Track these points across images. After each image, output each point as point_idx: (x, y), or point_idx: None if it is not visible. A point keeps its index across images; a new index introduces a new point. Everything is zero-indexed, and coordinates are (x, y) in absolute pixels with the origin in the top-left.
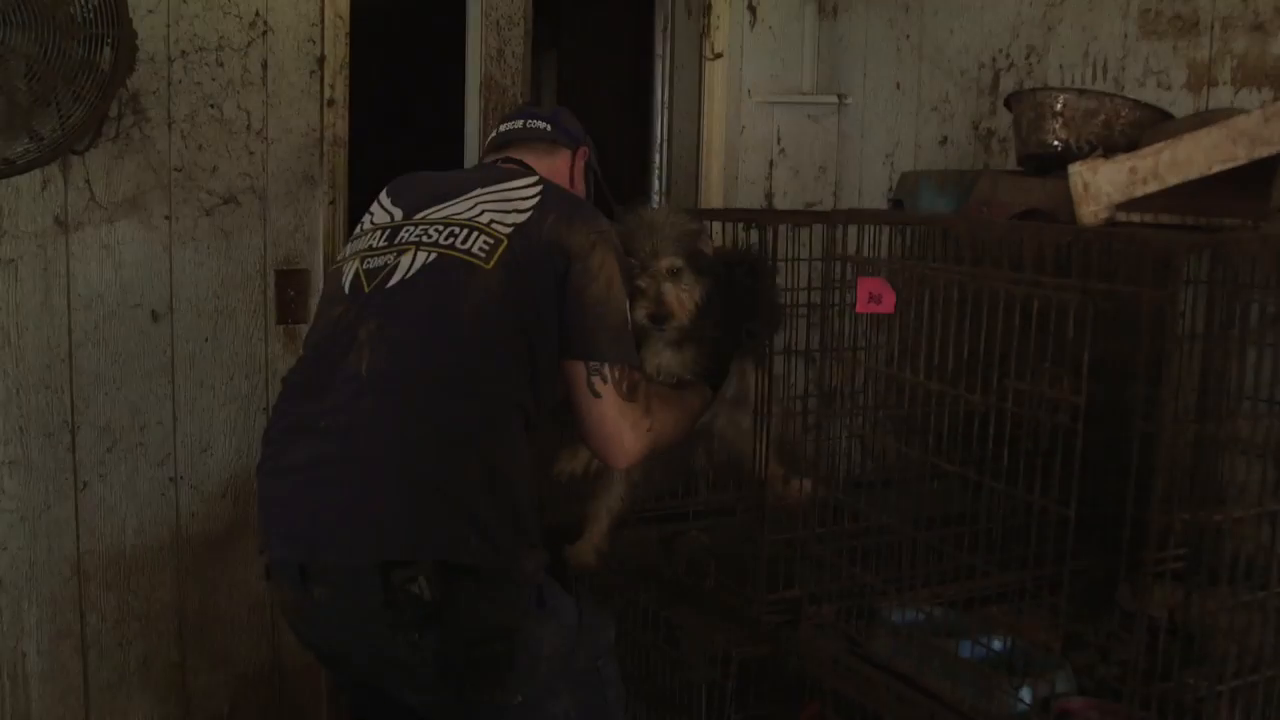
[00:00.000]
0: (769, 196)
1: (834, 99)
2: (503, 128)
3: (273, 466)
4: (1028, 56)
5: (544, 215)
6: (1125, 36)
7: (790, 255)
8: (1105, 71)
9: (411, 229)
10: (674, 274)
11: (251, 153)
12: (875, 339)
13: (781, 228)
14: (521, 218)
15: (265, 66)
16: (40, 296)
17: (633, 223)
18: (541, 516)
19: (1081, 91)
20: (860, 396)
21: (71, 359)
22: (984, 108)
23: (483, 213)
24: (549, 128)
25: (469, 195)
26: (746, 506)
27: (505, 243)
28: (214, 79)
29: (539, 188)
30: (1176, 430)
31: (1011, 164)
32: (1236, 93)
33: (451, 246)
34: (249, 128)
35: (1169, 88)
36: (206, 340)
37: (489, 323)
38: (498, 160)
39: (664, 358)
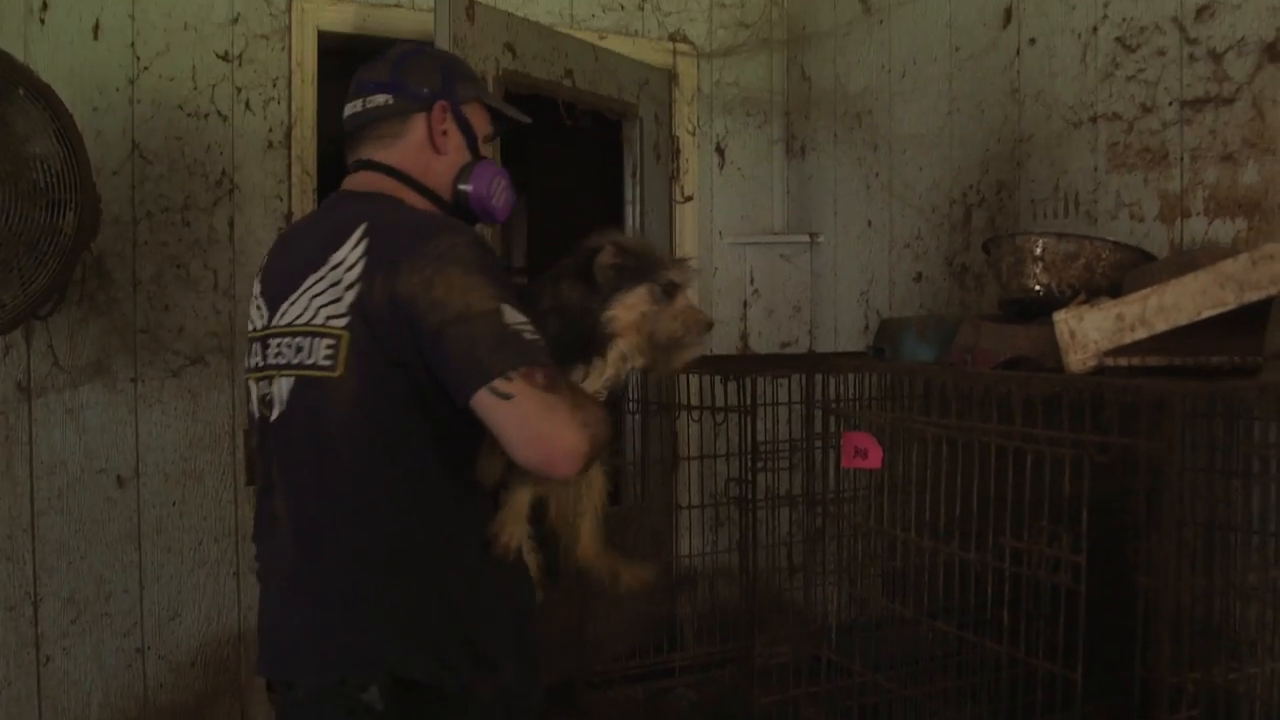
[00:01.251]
0: (744, 337)
1: (806, 238)
2: (345, 112)
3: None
4: (998, 192)
5: (372, 280)
6: (1095, 170)
7: (770, 399)
8: (1077, 205)
9: (273, 345)
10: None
11: (219, 312)
12: (858, 488)
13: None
14: (352, 296)
15: (232, 225)
16: (1, 465)
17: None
18: (523, 622)
19: (1061, 235)
20: (847, 544)
21: (34, 528)
22: (957, 243)
23: (317, 311)
24: (390, 99)
25: (302, 289)
26: (735, 661)
27: (345, 336)
28: (180, 239)
29: (363, 244)
30: (1181, 585)
31: (988, 299)
32: (1210, 223)
33: (301, 364)
34: (216, 286)
35: (1142, 219)
36: (174, 504)
37: (359, 435)
38: (350, 174)
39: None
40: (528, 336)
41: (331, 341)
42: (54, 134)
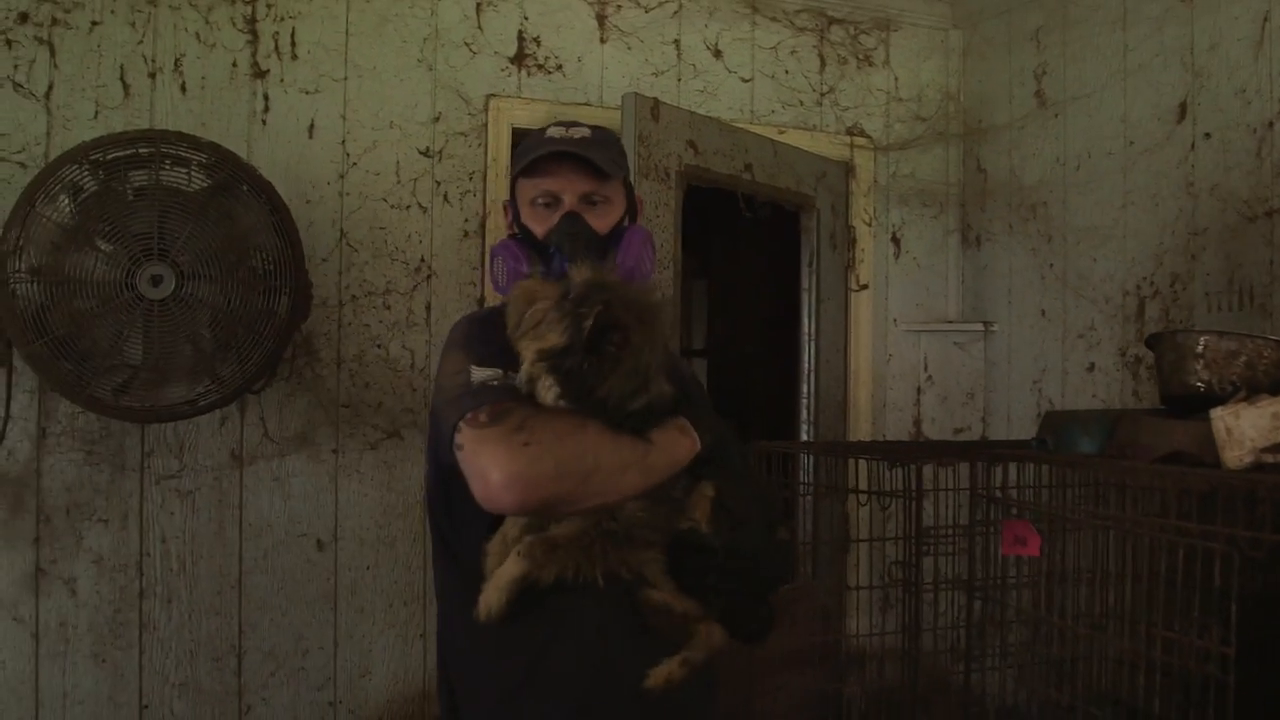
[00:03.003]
0: (917, 423)
1: (980, 326)
2: None
3: None
4: (1172, 284)
5: None
6: (1271, 264)
7: (937, 485)
8: (1252, 299)
9: None
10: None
11: (414, 389)
12: (1021, 576)
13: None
14: None
15: (429, 308)
16: (215, 526)
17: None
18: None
19: (1222, 334)
20: (1011, 630)
21: (241, 586)
22: (1130, 335)
23: None
24: None
25: None
26: None
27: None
28: (381, 320)
29: None
30: None
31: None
32: None
33: None
34: (413, 365)
35: None
36: (368, 568)
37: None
38: None
39: None
40: (492, 384)
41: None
42: (273, 227)
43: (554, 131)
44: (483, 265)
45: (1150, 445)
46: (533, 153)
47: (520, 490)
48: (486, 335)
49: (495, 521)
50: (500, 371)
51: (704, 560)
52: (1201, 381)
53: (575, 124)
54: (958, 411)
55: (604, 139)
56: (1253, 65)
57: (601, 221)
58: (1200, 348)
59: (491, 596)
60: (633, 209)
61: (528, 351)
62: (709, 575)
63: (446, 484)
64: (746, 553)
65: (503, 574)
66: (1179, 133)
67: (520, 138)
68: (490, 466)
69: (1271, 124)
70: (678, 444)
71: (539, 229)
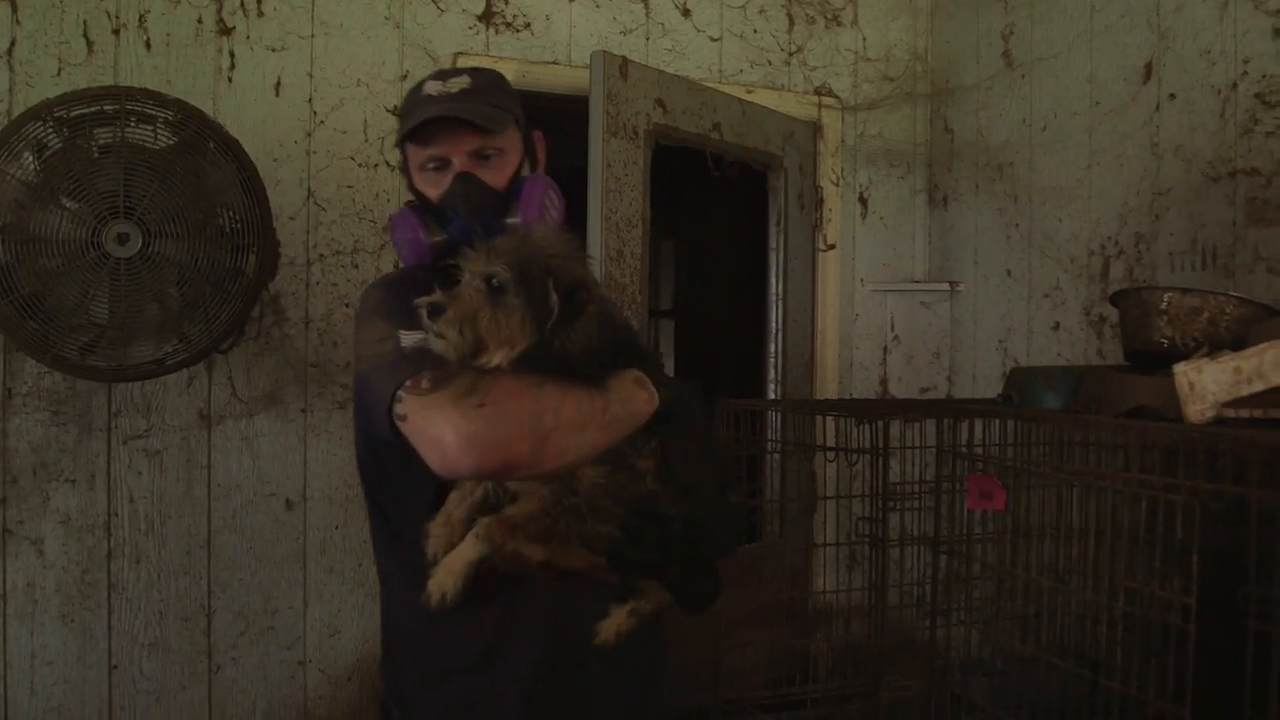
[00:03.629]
0: (884, 382)
1: (946, 286)
2: None
3: None
4: (1136, 244)
5: None
6: (1234, 224)
7: (904, 443)
8: (1215, 258)
9: None
10: (492, 284)
11: None
12: (987, 531)
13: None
14: None
15: (397, 267)
16: (183, 486)
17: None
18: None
19: (1185, 290)
20: (976, 585)
21: (210, 546)
22: (1095, 294)
23: None
24: None
25: None
26: (864, 696)
27: None
28: (349, 279)
29: None
30: None
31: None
32: None
33: None
34: None
35: (1279, 273)
36: (337, 528)
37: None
38: None
39: None
40: (422, 345)
41: None
42: (240, 185)
43: (431, 87)
44: None
45: (1114, 400)
46: (412, 118)
47: (479, 453)
48: (405, 298)
49: (437, 499)
50: (424, 335)
51: (663, 530)
52: (1165, 338)
53: (454, 73)
54: (924, 371)
55: (486, 85)
56: (1217, 26)
57: (497, 175)
58: (1164, 304)
59: (445, 581)
60: (531, 153)
61: (498, 358)
62: (669, 546)
63: (380, 459)
64: (699, 520)
65: (458, 557)
66: (1144, 93)
67: None
68: (445, 430)
69: (1235, 85)
70: (635, 396)
71: (433, 193)
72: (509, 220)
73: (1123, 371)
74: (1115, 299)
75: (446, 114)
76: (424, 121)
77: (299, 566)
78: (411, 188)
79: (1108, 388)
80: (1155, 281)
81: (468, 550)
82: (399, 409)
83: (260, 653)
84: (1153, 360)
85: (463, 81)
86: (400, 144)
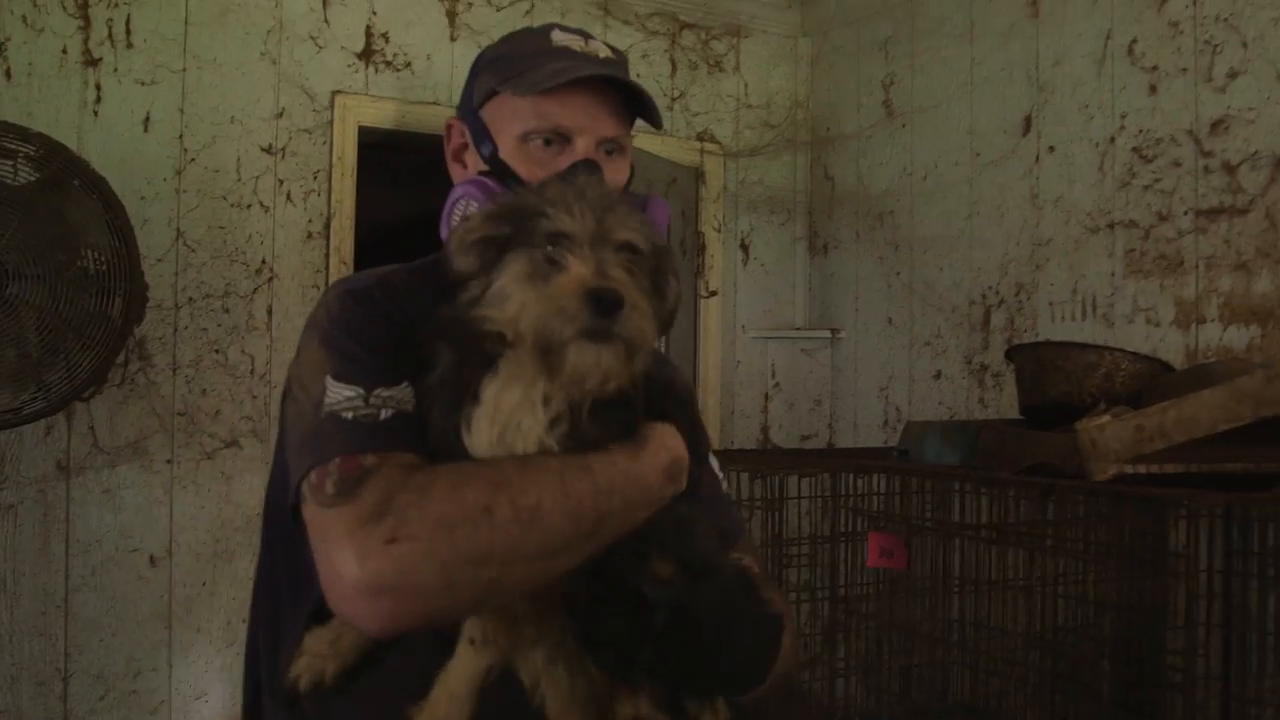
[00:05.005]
0: (765, 430)
1: (827, 333)
2: None
3: None
4: (1017, 294)
5: None
6: (1112, 275)
7: (795, 493)
8: (1095, 308)
9: None
10: (631, 256)
11: (254, 396)
12: (879, 585)
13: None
14: None
15: (270, 312)
16: (39, 542)
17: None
18: None
19: (1083, 346)
20: (867, 637)
21: (67, 605)
22: (976, 343)
23: None
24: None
25: None
26: None
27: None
28: (219, 324)
29: None
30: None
31: (1006, 398)
32: (1225, 329)
33: None
34: (252, 371)
35: (1158, 324)
36: (204, 584)
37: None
38: None
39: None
40: (346, 416)
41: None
42: (106, 224)
43: (563, 39)
44: (327, 268)
45: (1015, 456)
46: (540, 64)
47: (384, 604)
48: (359, 321)
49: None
50: (362, 392)
51: (637, 624)
52: (1062, 393)
53: (585, 34)
54: (805, 418)
55: (624, 61)
56: (1096, 81)
57: (616, 178)
58: (1061, 360)
59: (453, 715)
60: (632, 169)
61: (520, 340)
62: (642, 648)
63: (295, 519)
64: (701, 617)
65: (459, 678)
66: (1024, 146)
67: (370, 135)
68: (342, 565)
69: (1113, 139)
70: (656, 469)
71: (535, 173)
72: None
73: (1019, 426)
74: (1011, 354)
75: (606, 74)
76: (570, 79)
77: (163, 626)
78: (493, 157)
79: (1007, 443)
80: (1036, 330)
81: (468, 663)
82: (303, 507)
83: (121, 718)
84: (1050, 415)
85: (603, 48)
86: (488, 93)
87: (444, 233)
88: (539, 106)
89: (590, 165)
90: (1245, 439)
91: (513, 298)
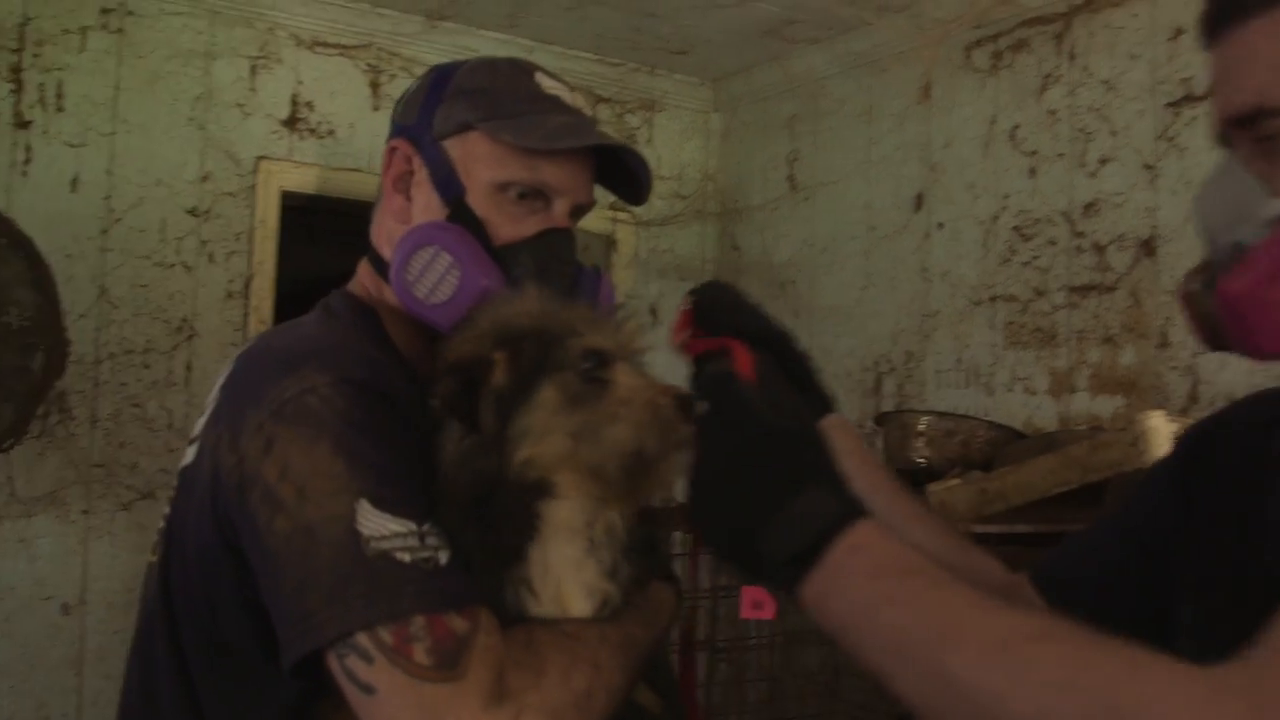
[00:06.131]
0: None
1: None
2: None
3: None
4: (907, 362)
5: (212, 431)
6: (994, 346)
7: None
8: (978, 377)
9: None
10: None
11: (171, 450)
12: (761, 636)
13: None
14: (191, 454)
15: (189, 368)
16: None
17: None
18: None
19: (942, 414)
20: (749, 688)
21: None
22: (869, 408)
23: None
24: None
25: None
26: None
27: (169, 508)
28: (139, 379)
29: (225, 377)
30: None
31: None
32: (1093, 399)
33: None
34: (170, 426)
35: (1034, 393)
36: (116, 633)
37: (150, 654)
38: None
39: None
40: (402, 559)
41: (167, 513)
42: (30, 282)
43: (551, 85)
44: (246, 326)
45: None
46: (536, 111)
47: None
48: (384, 429)
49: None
50: (414, 528)
51: None
52: (923, 458)
53: (564, 80)
54: None
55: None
56: (981, 163)
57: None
58: (922, 426)
59: None
60: None
61: (572, 479)
62: None
63: (226, 619)
64: None
65: None
66: (916, 221)
67: (293, 199)
68: None
69: (996, 217)
70: (664, 614)
71: (506, 230)
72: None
73: None
74: (880, 419)
75: (609, 144)
76: (558, 128)
77: (74, 673)
78: (457, 199)
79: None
80: (924, 397)
81: None
82: (355, 666)
83: None
84: (912, 478)
85: (582, 99)
86: (460, 125)
87: (397, 278)
88: (528, 159)
89: (567, 236)
90: (1087, 500)
91: (555, 431)
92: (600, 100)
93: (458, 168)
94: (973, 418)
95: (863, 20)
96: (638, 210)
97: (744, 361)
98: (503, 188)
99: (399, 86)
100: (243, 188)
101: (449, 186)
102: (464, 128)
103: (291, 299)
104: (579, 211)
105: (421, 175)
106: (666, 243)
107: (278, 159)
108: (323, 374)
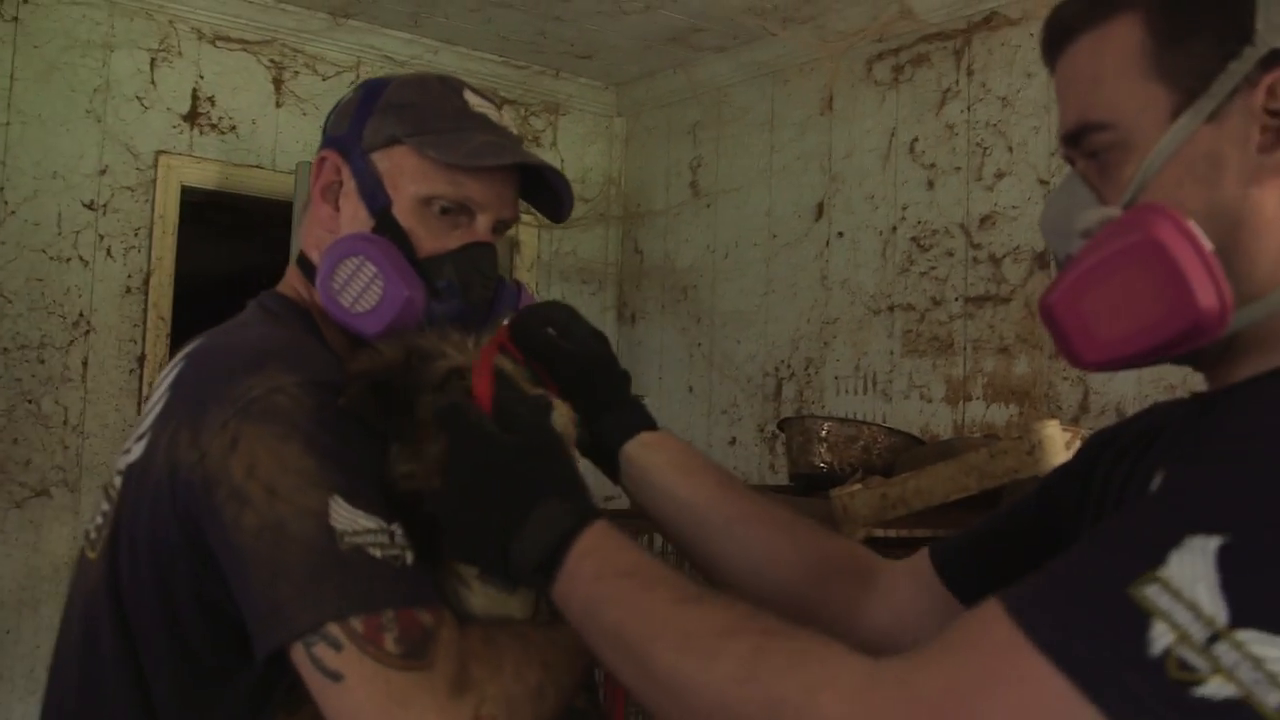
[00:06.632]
0: None
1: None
2: None
3: None
4: (806, 368)
5: (165, 431)
6: (891, 353)
7: None
8: (875, 384)
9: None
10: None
11: (67, 447)
12: None
13: None
14: (139, 451)
15: (85, 364)
16: None
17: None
18: None
19: (843, 420)
20: None
21: None
22: (769, 413)
23: (118, 463)
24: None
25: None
26: None
27: (113, 504)
28: (34, 375)
29: (173, 374)
30: None
31: None
32: (988, 406)
33: (87, 535)
34: (66, 422)
35: (930, 400)
36: (8, 632)
37: (94, 651)
38: None
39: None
40: (374, 554)
41: (106, 506)
42: None
43: (478, 104)
44: (145, 323)
45: None
46: (461, 127)
47: None
48: (353, 430)
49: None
50: (384, 525)
51: None
52: (825, 463)
53: (492, 98)
54: (605, 479)
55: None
56: (880, 174)
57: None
58: (824, 432)
59: None
60: None
61: None
62: None
63: (190, 623)
64: None
65: None
66: (816, 230)
67: (193, 194)
68: None
69: (895, 228)
70: None
71: (430, 244)
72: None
73: (785, 493)
74: (782, 424)
75: (530, 163)
76: (481, 146)
77: None
78: (381, 211)
79: None
80: (823, 403)
81: None
82: (324, 654)
83: None
84: (815, 483)
85: (509, 119)
86: (386, 139)
87: (323, 286)
88: (452, 174)
89: (490, 251)
90: (985, 506)
91: (426, 442)
92: (505, 102)
93: (385, 180)
94: (873, 424)
95: (767, 31)
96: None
97: (483, 385)
98: (427, 202)
99: (302, 83)
100: (142, 182)
101: (375, 198)
102: (392, 141)
103: (191, 295)
104: (502, 226)
105: (350, 186)
106: (569, 245)
107: (178, 153)
108: (290, 374)
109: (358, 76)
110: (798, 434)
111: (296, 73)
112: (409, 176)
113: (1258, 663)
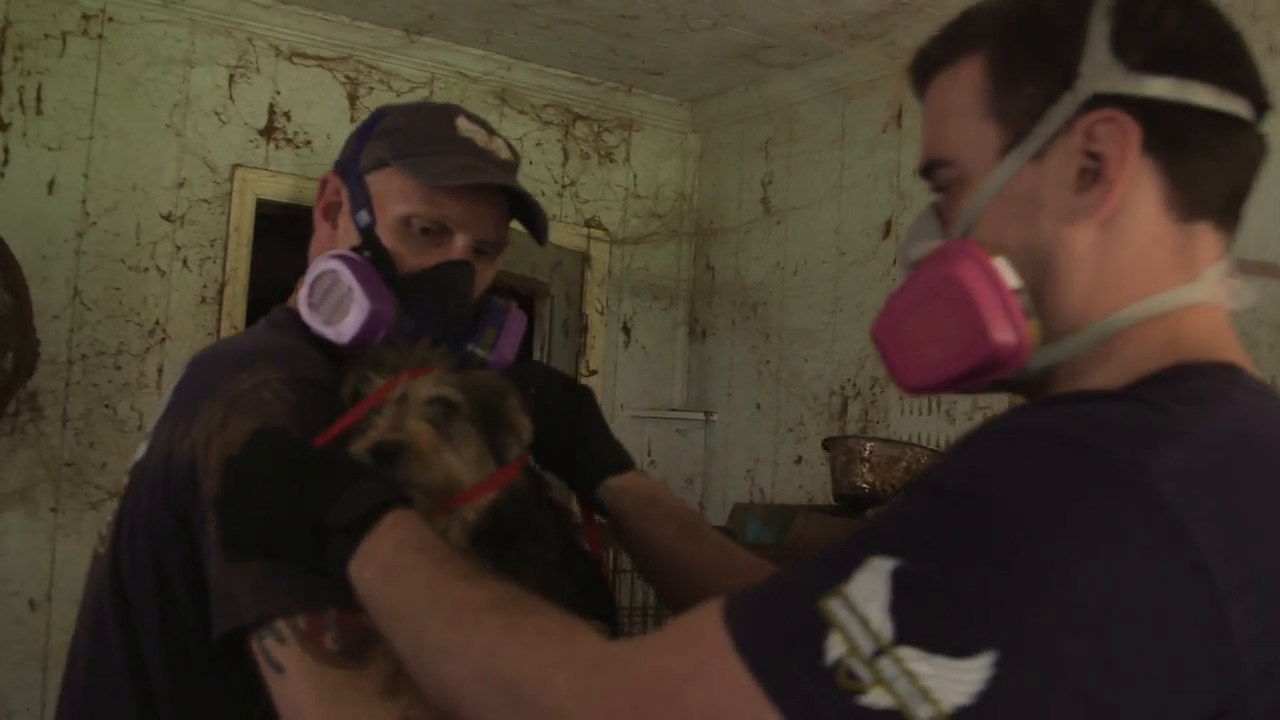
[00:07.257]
0: None
1: (701, 415)
2: None
3: None
4: (872, 387)
5: (165, 424)
6: None
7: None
8: (939, 404)
9: None
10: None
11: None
12: None
13: None
14: (142, 450)
15: (161, 371)
16: None
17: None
18: None
19: (886, 441)
20: None
21: None
22: (834, 431)
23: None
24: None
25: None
26: None
27: (120, 503)
28: (111, 381)
29: (180, 377)
30: None
31: None
32: None
33: (102, 535)
34: (140, 427)
35: None
36: None
37: (100, 641)
38: None
39: None
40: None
41: (118, 504)
42: (2, 283)
43: (468, 129)
44: (218, 332)
45: (817, 539)
46: (442, 152)
47: None
48: (324, 415)
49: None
50: None
51: None
52: (867, 483)
53: (488, 127)
54: (678, 496)
55: (518, 161)
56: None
57: (483, 279)
58: (867, 452)
59: None
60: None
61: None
62: None
63: (184, 610)
64: None
65: None
66: (884, 248)
67: (268, 207)
68: None
69: None
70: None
71: (409, 260)
72: (475, 349)
73: (830, 513)
74: (827, 444)
75: (506, 185)
76: (461, 168)
77: (39, 669)
78: (367, 230)
79: (813, 527)
80: (888, 422)
81: None
82: (271, 646)
83: None
84: (857, 503)
85: (504, 147)
86: (377, 161)
87: (304, 302)
88: (431, 195)
89: (467, 270)
90: None
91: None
92: (578, 118)
93: (374, 201)
94: (917, 445)
95: (835, 48)
96: (613, 227)
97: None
98: (406, 221)
99: (377, 99)
100: (218, 194)
101: (362, 215)
102: (381, 164)
103: (264, 306)
104: (486, 247)
105: (346, 206)
106: (641, 260)
107: (254, 167)
108: (276, 370)
109: (431, 93)
110: (841, 454)
111: (371, 89)
112: (393, 197)
113: (913, 678)
